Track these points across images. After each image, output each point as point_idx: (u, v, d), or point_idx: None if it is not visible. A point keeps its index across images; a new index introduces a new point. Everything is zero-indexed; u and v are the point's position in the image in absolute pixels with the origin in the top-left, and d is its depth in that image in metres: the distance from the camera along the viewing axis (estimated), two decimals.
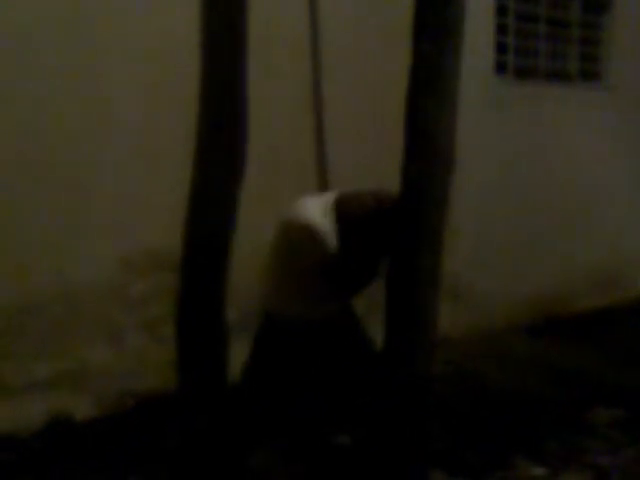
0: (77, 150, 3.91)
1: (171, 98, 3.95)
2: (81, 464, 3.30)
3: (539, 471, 3.47)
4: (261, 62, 3.69)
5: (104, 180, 3.99)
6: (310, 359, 2.87)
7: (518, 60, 5.92)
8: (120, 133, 4.02)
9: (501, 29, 5.73)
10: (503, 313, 5.50)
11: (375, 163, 4.57)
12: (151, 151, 4.08)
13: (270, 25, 4.16)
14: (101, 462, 3.30)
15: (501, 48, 5.76)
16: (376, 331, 3.27)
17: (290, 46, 4.39)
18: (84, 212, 3.93)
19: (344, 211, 2.76)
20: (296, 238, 2.78)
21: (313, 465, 2.88)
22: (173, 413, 3.11)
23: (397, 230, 2.80)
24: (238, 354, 3.08)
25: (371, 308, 3.86)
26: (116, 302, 4.02)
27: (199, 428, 2.93)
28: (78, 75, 3.90)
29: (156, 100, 4.06)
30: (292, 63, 4.40)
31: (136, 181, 4.06)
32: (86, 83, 3.92)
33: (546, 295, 5.87)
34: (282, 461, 2.87)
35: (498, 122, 5.62)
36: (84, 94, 3.92)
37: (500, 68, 5.76)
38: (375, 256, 2.80)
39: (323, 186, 4.39)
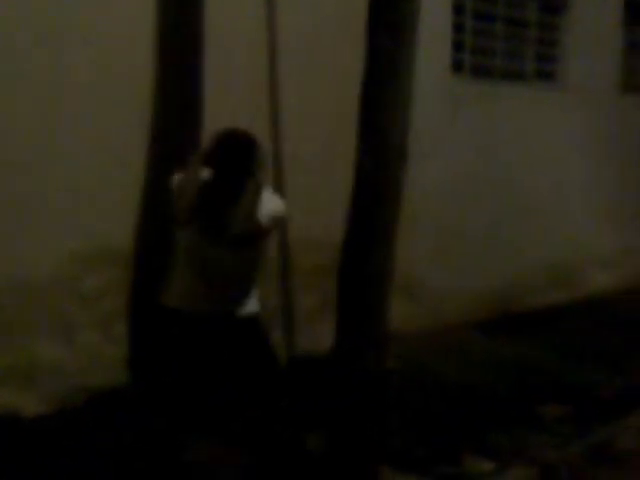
0: (30, 141, 3.82)
1: (129, 92, 3.89)
2: (27, 462, 3.23)
3: (488, 466, 3.51)
4: (218, 56, 3.65)
5: (58, 173, 3.91)
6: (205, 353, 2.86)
7: (475, 59, 5.97)
8: (76, 127, 3.95)
9: (458, 28, 5.77)
10: (458, 309, 5.55)
11: (330, 151, 4.57)
12: (107, 145, 4.01)
13: (228, 19, 4.13)
14: (46, 460, 3.23)
15: (458, 47, 5.80)
16: (331, 327, 3.28)
17: (247, 39, 4.36)
18: (36, 205, 3.85)
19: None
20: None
21: (253, 459, 2.86)
22: (122, 410, 3.07)
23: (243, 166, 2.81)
24: None
25: (325, 304, 3.87)
26: (68, 297, 3.95)
27: (142, 425, 2.90)
28: (34, 67, 3.82)
29: (113, 93, 4.00)
30: (249, 55, 4.37)
31: (91, 175, 3.99)
32: (41, 75, 3.84)
33: (501, 291, 5.93)
34: (217, 455, 2.86)
35: (454, 119, 5.65)
36: (39, 85, 3.83)
37: (457, 66, 5.81)
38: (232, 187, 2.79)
39: (279, 173, 4.37)
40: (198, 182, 2.77)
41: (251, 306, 2.90)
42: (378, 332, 3.28)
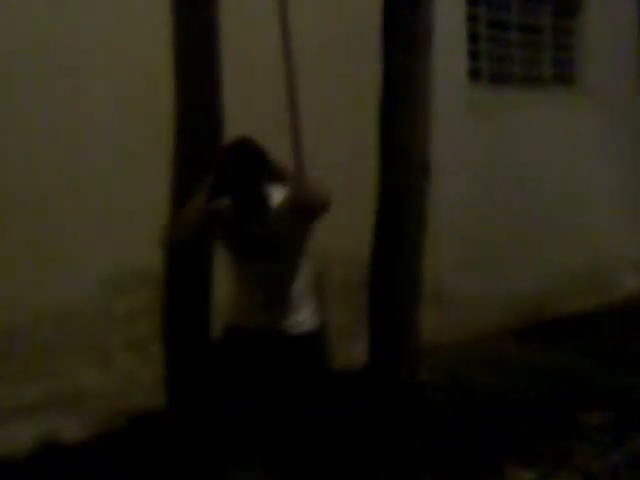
0: (59, 170, 3.87)
1: (153, 115, 3.91)
2: None
3: (530, 475, 3.46)
4: (236, 78, 3.68)
5: (89, 197, 3.96)
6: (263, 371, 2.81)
7: (492, 66, 5.97)
8: (104, 149, 3.99)
9: (474, 37, 5.78)
10: (490, 318, 5.51)
11: (354, 164, 4.58)
12: (136, 167, 4.04)
13: (244, 45, 4.17)
14: None
15: (474, 55, 5.80)
16: (364, 342, 3.27)
17: (264, 63, 4.39)
18: (67, 232, 3.89)
19: None
20: None
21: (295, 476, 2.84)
22: (163, 432, 3.07)
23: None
24: None
25: (357, 320, 3.87)
26: (102, 322, 3.99)
27: (186, 445, 2.90)
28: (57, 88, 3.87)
29: (140, 115, 4.03)
30: (266, 78, 4.40)
31: (121, 197, 4.03)
32: (66, 98, 3.89)
33: (532, 299, 5.88)
34: (263, 475, 2.83)
35: (475, 128, 5.65)
36: (65, 108, 3.88)
37: (475, 75, 5.81)
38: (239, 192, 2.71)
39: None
40: (204, 209, 2.67)
41: (308, 322, 2.80)
42: (410, 344, 3.28)
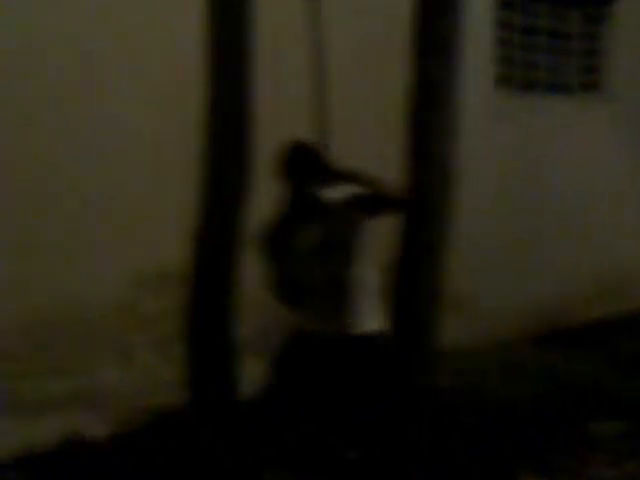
0: (88, 166, 3.93)
1: (182, 114, 3.94)
2: None
3: None
4: (269, 76, 3.69)
5: (115, 196, 4.02)
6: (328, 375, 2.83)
7: (519, 72, 5.96)
8: (131, 147, 4.04)
9: (502, 42, 5.77)
10: (508, 324, 5.50)
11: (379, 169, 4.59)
12: (162, 166, 4.10)
13: (277, 40, 4.19)
14: None
15: (502, 61, 5.79)
16: None
17: (296, 61, 4.40)
18: (95, 229, 3.96)
19: None
20: None
21: None
22: (185, 431, 3.10)
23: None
24: (250, 370, 3.07)
25: None
26: (128, 320, 4.05)
27: (212, 447, 2.91)
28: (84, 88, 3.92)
29: (168, 115, 4.09)
30: (298, 78, 4.42)
31: (147, 197, 4.09)
32: (94, 96, 3.95)
33: (551, 305, 5.88)
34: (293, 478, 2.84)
35: (499, 133, 5.65)
36: (93, 107, 3.94)
37: (501, 81, 5.80)
38: None
39: None
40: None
41: (370, 323, 2.83)
42: (429, 349, 3.29)
